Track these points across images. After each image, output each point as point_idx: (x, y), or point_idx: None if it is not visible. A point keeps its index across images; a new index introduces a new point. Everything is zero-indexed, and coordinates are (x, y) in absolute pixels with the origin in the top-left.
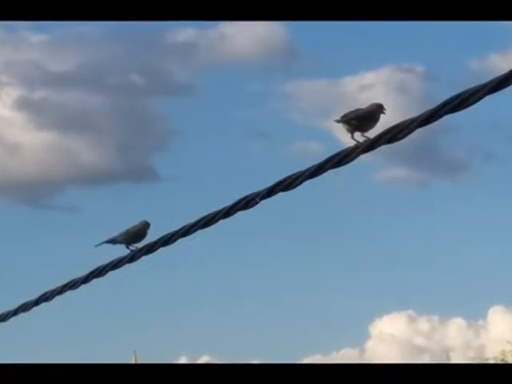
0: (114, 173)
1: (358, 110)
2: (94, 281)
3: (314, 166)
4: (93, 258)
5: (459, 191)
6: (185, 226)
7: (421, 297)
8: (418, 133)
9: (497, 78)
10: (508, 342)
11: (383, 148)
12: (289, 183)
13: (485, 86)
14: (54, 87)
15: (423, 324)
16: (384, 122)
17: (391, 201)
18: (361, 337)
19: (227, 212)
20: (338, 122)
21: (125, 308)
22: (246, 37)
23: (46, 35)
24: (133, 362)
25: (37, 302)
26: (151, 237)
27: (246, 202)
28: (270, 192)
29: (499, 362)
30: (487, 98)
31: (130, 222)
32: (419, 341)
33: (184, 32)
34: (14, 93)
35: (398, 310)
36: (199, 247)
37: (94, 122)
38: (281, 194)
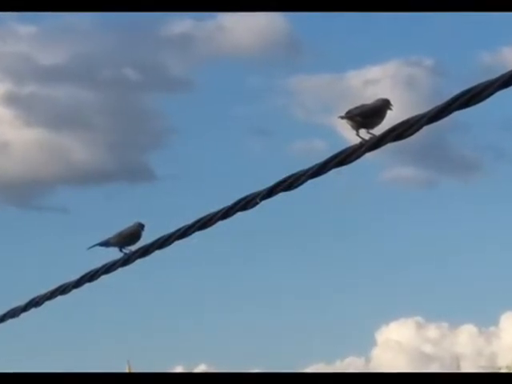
0: (107, 172)
1: (363, 105)
2: (86, 285)
3: (316, 164)
4: (85, 262)
5: (469, 191)
6: (181, 228)
7: (429, 302)
8: (426, 130)
9: (509, 72)
10: None
11: (389, 146)
12: (290, 183)
13: (496, 80)
14: (43, 81)
15: (432, 331)
16: (390, 119)
17: (397, 201)
18: (366, 344)
19: (226, 213)
20: (342, 118)
21: (118, 314)
22: (245, 29)
23: (34, 27)
24: (126, 370)
25: (25, 308)
26: (146, 239)
27: (246, 203)
28: (270, 192)
29: None
30: (499, 94)
31: (124, 224)
32: (428, 349)
33: (180, 23)
34: (1, 88)
35: (405, 316)
36: (196, 250)
37: (86, 119)
38: (282, 194)
